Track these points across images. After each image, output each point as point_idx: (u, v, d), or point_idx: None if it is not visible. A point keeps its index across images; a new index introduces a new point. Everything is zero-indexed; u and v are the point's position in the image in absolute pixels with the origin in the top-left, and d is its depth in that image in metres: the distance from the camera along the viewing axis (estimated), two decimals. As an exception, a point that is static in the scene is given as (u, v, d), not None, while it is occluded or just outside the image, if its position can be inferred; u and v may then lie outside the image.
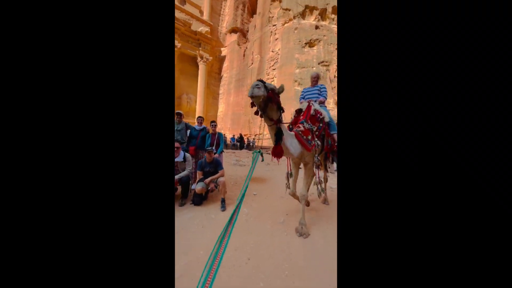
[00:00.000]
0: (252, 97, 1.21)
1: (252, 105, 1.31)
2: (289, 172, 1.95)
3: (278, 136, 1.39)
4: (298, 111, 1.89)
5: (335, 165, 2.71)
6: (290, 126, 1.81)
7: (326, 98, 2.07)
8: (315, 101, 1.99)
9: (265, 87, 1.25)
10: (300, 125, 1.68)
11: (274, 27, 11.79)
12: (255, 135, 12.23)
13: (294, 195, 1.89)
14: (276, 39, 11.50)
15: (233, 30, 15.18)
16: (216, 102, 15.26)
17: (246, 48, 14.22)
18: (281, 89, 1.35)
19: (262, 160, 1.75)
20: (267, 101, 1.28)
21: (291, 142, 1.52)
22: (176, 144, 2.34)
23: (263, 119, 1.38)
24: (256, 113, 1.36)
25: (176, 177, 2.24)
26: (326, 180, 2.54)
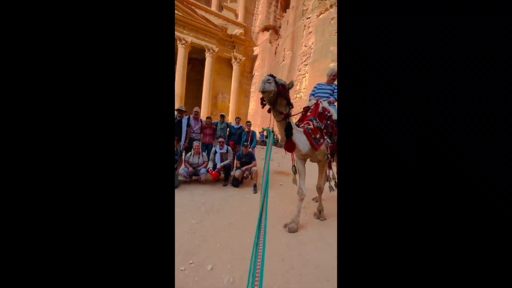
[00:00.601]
0: (263, 91, 1.25)
1: (262, 101, 1.35)
2: (293, 165, 1.89)
3: (288, 131, 1.42)
4: (306, 109, 1.90)
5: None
6: (297, 123, 1.82)
7: (336, 100, 2.03)
8: (325, 100, 1.97)
9: (276, 82, 1.29)
10: (310, 122, 1.70)
11: (308, 20, 11.38)
12: (283, 132, 12.39)
13: (303, 196, 1.76)
14: (309, 33, 11.11)
15: (266, 28, 15.42)
16: (248, 100, 16.10)
17: (278, 45, 14.26)
18: (291, 84, 1.40)
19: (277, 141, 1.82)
20: (277, 96, 1.31)
21: (299, 138, 1.56)
22: (221, 139, 3.04)
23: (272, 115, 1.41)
24: (269, 111, 1.40)
25: (221, 164, 2.92)
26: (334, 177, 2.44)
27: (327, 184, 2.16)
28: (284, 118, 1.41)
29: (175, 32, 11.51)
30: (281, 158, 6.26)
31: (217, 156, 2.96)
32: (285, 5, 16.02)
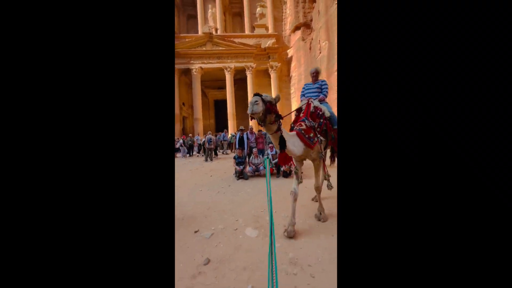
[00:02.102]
0: (252, 113, 1.32)
1: (252, 118, 1.40)
2: (295, 168, 1.93)
3: (281, 144, 1.48)
4: (298, 110, 1.97)
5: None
6: (292, 125, 1.90)
7: (326, 96, 2.08)
8: (315, 99, 2.02)
9: (263, 100, 1.36)
10: (302, 123, 1.74)
11: (341, 2, 10.53)
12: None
13: (296, 195, 1.74)
14: (346, 15, 10.21)
15: (296, 28, 15.52)
16: (289, 102, 16.52)
17: (312, 39, 13.90)
18: (278, 98, 1.48)
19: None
20: (266, 113, 1.38)
21: (293, 142, 1.60)
22: (271, 145, 4.05)
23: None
24: (259, 123, 1.45)
25: (273, 162, 3.90)
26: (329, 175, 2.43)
27: (325, 183, 2.13)
28: (276, 131, 1.48)
29: (223, 63, 14.33)
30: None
31: (270, 157, 4.00)
32: (314, -4, 15.42)
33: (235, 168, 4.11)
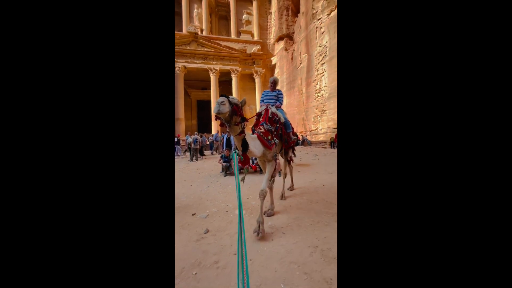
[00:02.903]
0: (218, 113, 1.35)
1: (217, 117, 1.45)
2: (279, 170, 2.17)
3: (244, 146, 1.56)
4: (258, 115, 2.15)
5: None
6: (253, 128, 2.06)
7: (282, 103, 2.42)
8: (272, 105, 2.30)
9: (229, 102, 1.40)
10: (261, 127, 1.93)
11: (319, 21, 11.93)
12: (309, 131, 12.99)
13: (269, 191, 1.94)
14: (322, 33, 11.62)
15: (280, 38, 16.67)
16: (272, 106, 17.39)
17: (294, 50, 15.17)
18: (244, 102, 1.55)
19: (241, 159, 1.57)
20: (232, 114, 1.44)
21: (254, 144, 1.71)
22: None
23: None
24: (222, 124, 1.51)
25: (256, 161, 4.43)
26: (291, 171, 2.94)
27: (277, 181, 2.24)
28: (240, 133, 1.54)
29: (208, 65, 14.41)
30: (304, 155, 7.30)
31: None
32: (296, 11, 16.86)
33: (222, 165, 4.46)
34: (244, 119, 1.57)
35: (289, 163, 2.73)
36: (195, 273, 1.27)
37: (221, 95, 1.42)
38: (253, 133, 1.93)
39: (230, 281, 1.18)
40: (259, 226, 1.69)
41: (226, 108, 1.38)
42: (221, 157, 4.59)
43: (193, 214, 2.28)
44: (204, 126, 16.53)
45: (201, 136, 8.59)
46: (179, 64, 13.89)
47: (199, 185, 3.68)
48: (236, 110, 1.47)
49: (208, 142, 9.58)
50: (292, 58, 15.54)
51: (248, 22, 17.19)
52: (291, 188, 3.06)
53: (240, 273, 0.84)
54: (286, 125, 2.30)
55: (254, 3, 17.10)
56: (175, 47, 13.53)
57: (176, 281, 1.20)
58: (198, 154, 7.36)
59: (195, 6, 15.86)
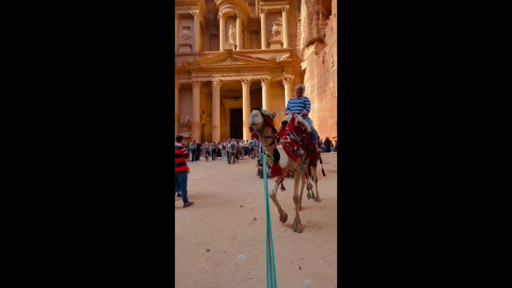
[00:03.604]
0: (252, 124, 1.49)
1: (251, 128, 1.58)
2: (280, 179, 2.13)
3: (276, 156, 1.62)
4: (284, 123, 2.15)
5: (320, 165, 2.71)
6: (277, 137, 1.97)
7: (309, 111, 2.39)
8: (298, 113, 2.30)
9: (262, 114, 1.53)
10: (287, 136, 1.94)
11: (353, 21, 11.38)
12: (344, 135, 12.12)
13: (274, 197, 1.99)
14: (357, 33, 11.00)
15: (310, 43, 16.64)
16: (302, 111, 17.22)
17: (325, 53, 14.82)
18: (274, 114, 1.68)
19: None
20: (264, 125, 1.55)
21: (281, 155, 1.72)
22: None
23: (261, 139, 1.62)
24: (254, 135, 1.63)
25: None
26: (316, 181, 2.89)
27: (305, 192, 2.33)
28: (271, 143, 1.63)
29: (240, 76, 15.84)
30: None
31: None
32: (327, 13, 16.53)
33: (258, 168, 5.01)
34: (274, 130, 1.70)
35: (309, 173, 2.62)
36: (253, 244, 1.78)
37: (254, 108, 1.58)
38: (277, 142, 1.90)
39: (280, 251, 1.63)
40: (297, 224, 1.96)
41: (259, 119, 1.52)
42: (258, 161, 5.15)
43: (241, 206, 2.86)
44: (235, 132, 17.96)
45: (237, 142, 9.55)
46: (216, 78, 15.84)
47: (240, 184, 4.35)
48: (268, 121, 1.60)
49: (243, 147, 10.48)
50: (323, 61, 15.18)
51: (278, 33, 17.97)
52: (317, 198, 2.91)
53: (268, 271, 0.94)
54: (313, 135, 2.30)
55: (283, 14, 17.80)
56: (213, 64, 15.58)
57: (241, 248, 1.71)
58: (235, 158, 8.24)
59: (230, 26, 17.86)
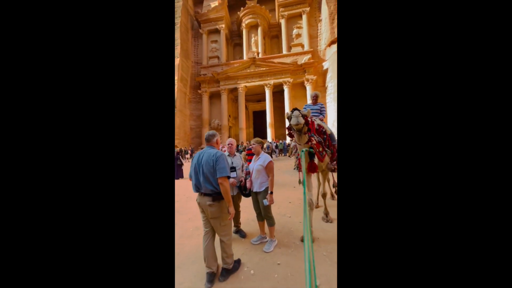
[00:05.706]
0: (297, 124, 1.53)
1: (290, 129, 1.62)
2: (300, 179, 2.17)
3: (311, 154, 1.67)
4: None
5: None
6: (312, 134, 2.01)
7: (324, 117, 2.51)
8: (316, 117, 2.39)
9: (301, 114, 1.57)
10: (312, 138, 1.90)
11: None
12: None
13: (311, 203, 1.88)
14: (383, 29, 10.79)
15: (332, 42, 16.65)
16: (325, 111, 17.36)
17: (348, 52, 14.70)
18: (309, 113, 1.70)
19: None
20: (304, 125, 1.58)
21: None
22: None
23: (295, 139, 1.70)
24: (291, 135, 1.69)
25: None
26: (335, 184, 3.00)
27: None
28: (307, 142, 1.69)
29: (263, 81, 16.94)
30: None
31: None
32: (349, 10, 16.25)
33: (296, 162, 6.00)
34: (309, 130, 1.79)
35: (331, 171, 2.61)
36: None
37: (293, 109, 1.64)
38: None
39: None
40: (327, 215, 2.35)
41: (302, 119, 1.57)
42: (296, 157, 6.23)
43: (294, 187, 3.97)
44: (258, 133, 19.14)
45: (270, 142, 10.67)
46: (241, 85, 17.29)
47: (283, 174, 5.66)
48: (307, 121, 1.65)
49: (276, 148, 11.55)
50: (346, 60, 14.96)
51: (298, 35, 18.43)
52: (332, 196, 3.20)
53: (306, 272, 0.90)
54: (332, 137, 2.40)
55: (304, 16, 18.18)
56: (239, 72, 17.06)
57: (279, 236, 2.04)
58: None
59: (252, 35, 19.12)
